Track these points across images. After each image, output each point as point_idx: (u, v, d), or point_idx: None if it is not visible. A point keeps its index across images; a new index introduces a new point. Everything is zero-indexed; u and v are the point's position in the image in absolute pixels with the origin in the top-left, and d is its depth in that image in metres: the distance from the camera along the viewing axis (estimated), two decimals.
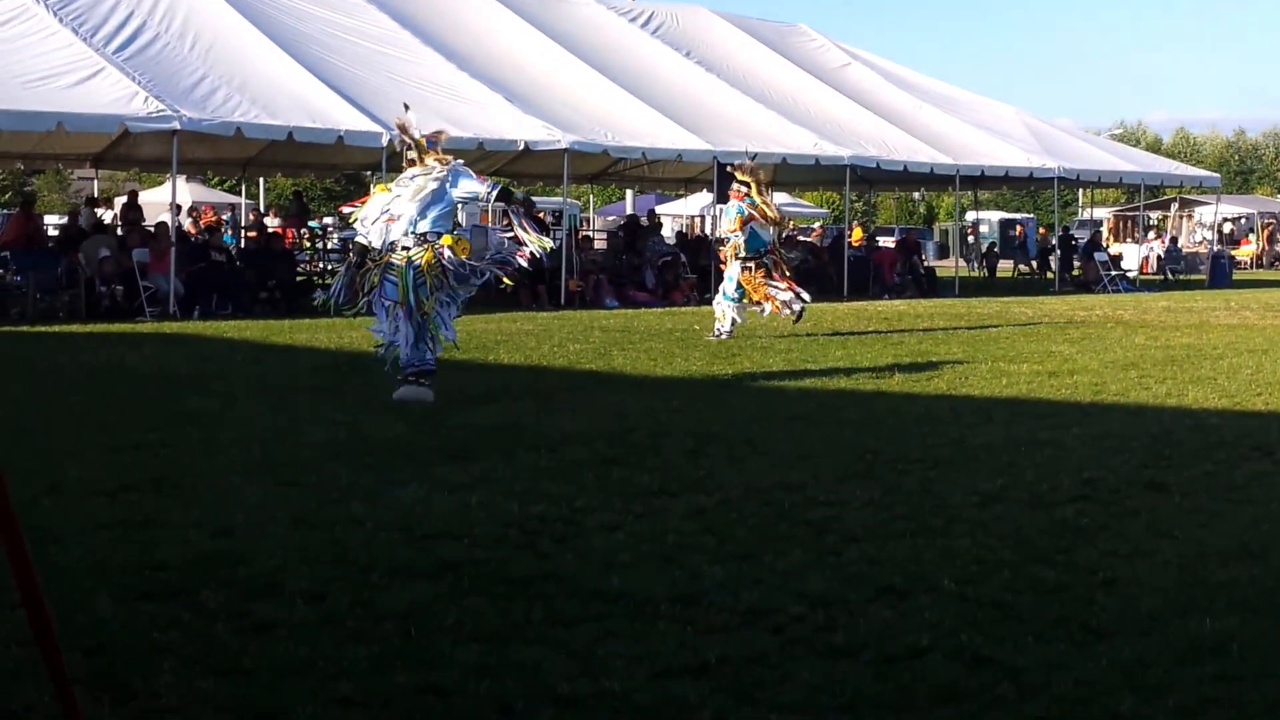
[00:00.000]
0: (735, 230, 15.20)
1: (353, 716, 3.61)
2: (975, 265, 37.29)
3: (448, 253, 9.54)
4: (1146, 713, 3.67)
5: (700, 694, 3.78)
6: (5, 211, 34.16)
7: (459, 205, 9.99)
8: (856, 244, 28.30)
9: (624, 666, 3.98)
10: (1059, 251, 31.75)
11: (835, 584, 4.89)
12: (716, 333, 15.04)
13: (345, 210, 11.93)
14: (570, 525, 5.77)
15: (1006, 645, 4.20)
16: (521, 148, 21.71)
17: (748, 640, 4.25)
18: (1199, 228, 49.01)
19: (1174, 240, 42.32)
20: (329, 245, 28.63)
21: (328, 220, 40.45)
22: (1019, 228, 45.07)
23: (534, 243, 9.79)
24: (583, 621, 4.41)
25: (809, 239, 33.27)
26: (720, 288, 15.58)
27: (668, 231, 33.34)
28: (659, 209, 37.35)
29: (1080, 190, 41.97)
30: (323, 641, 4.17)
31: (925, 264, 30.09)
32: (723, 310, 15.18)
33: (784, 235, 18.57)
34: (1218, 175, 37.27)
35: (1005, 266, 36.62)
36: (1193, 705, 3.74)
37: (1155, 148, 67.83)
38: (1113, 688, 3.84)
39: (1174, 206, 49.26)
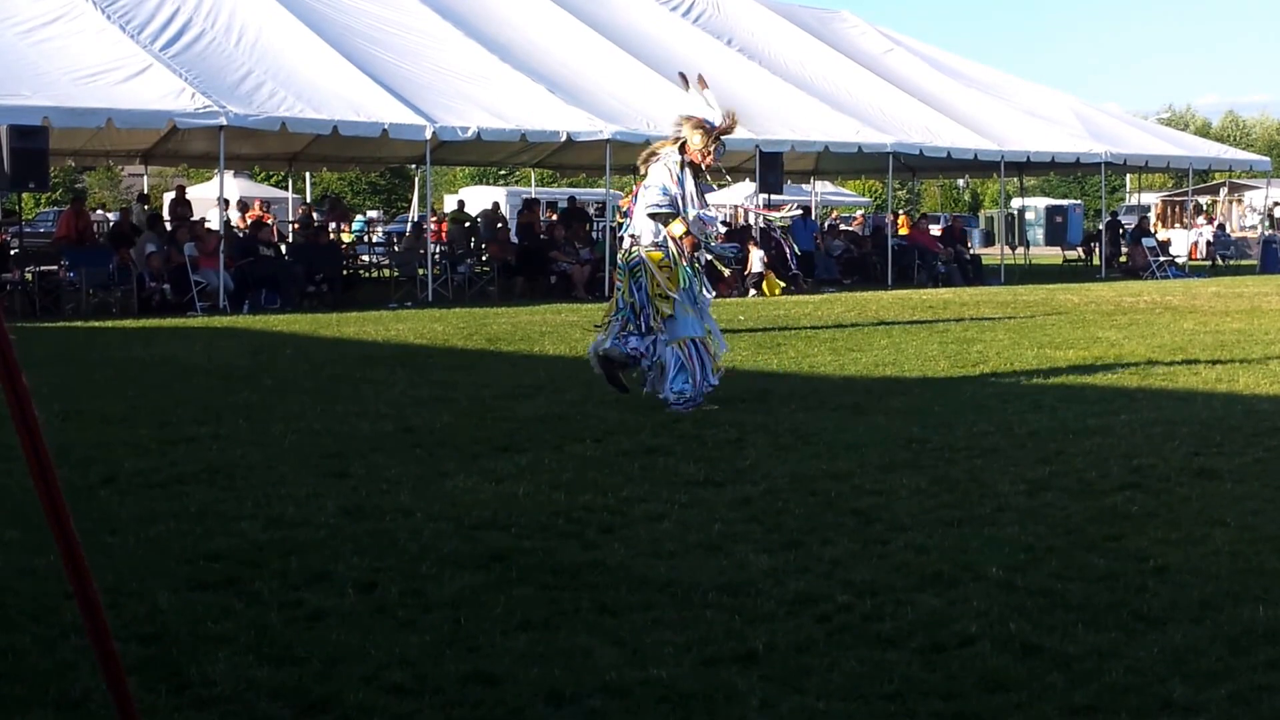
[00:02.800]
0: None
1: (404, 704, 3.64)
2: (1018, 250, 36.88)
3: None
4: (1199, 701, 3.64)
5: (747, 682, 3.79)
6: (57, 209, 34.62)
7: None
8: (904, 232, 28.16)
9: (671, 654, 4.00)
10: (1105, 237, 31.44)
11: (882, 572, 4.89)
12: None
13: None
14: (617, 515, 5.79)
15: (1056, 633, 4.18)
16: (564, 139, 21.76)
17: (795, 629, 4.26)
18: (1249, 212, 48.43)
19: (1222, 226, 41.81)
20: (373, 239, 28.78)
21: (372, 214, 40.72)
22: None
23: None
24: (630, 610, 4.43)
25: (850, 228, 33.16)
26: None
27: None
28: None
29: (1128, 175, 41.53)
30: (374, 630, 4.22)
31: (971, 250, 29.93)
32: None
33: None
34: (1268, 159, 36.73)
35: (1053, 254, 36.28)
36: (1245, 693, 3.70)
37: (1204, 132, 67.03)
38: (1164, 675, 3.82)
39: (1223, 191, 48.67)
